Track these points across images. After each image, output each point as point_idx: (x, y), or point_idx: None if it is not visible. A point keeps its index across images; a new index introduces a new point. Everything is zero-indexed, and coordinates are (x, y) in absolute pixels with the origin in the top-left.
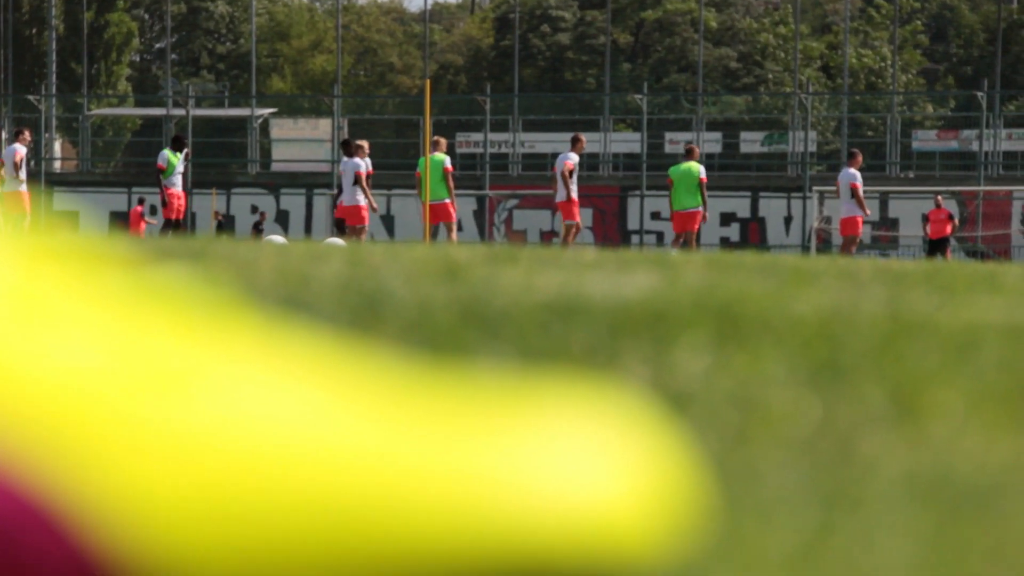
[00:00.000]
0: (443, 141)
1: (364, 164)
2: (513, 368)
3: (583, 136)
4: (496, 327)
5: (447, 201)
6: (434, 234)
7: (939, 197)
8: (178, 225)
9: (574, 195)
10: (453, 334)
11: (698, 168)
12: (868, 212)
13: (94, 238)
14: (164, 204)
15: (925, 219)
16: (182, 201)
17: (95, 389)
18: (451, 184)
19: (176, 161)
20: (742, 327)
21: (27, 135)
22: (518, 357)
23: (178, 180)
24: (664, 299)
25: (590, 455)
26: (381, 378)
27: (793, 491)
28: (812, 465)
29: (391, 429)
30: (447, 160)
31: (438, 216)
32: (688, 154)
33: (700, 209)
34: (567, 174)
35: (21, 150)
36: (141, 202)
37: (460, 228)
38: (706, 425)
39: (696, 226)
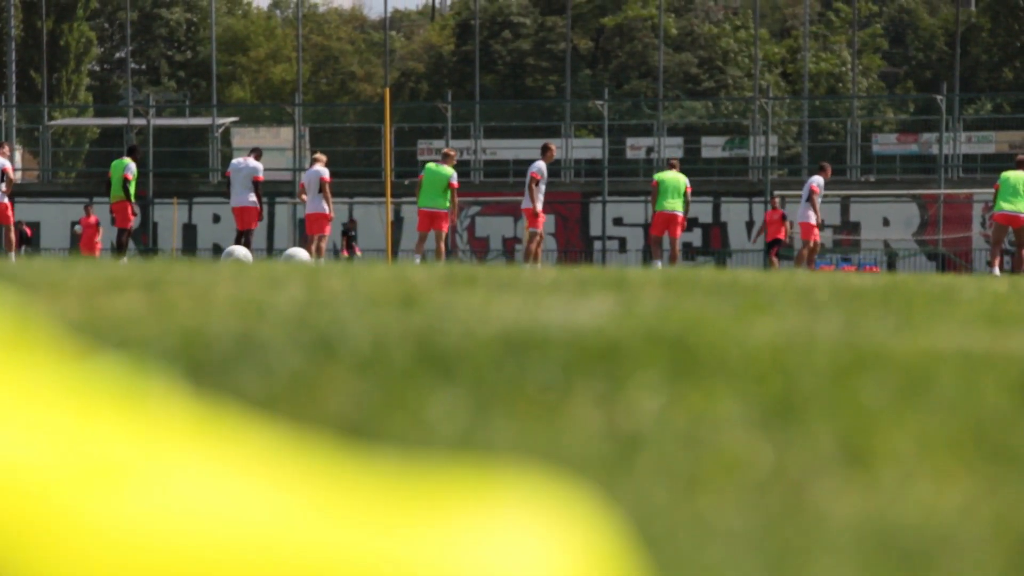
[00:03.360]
0: (453, 154)
1: (324, 171)
2: (460, 423)
3: (553, 145)
4: (450, 366)
5: (444, 211)
6: (421, 240)
7: (775, 199)
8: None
9: (538, 205)
10: (407, 374)
11: (685, 178)
12: (818, 217)
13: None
14: (136, 213)
15: (764, 221)
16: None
17: (24, 484)
18: (455, 198)
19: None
20: (696, 360)
21: (7, 148)
22: (471, 398)
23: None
24: (619, 329)
25: (523, 546)
26: (319, 464)
27: (741, 545)
28: (761, 515)
29: (329, 520)
30: (454, 175)
31: (433, 223)
32: (671, 166)
33: (684, 215)
34: (532, 184)
35: (3, 163)
36: (88, 213)
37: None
38: (656, 472)
39: (679, 232)
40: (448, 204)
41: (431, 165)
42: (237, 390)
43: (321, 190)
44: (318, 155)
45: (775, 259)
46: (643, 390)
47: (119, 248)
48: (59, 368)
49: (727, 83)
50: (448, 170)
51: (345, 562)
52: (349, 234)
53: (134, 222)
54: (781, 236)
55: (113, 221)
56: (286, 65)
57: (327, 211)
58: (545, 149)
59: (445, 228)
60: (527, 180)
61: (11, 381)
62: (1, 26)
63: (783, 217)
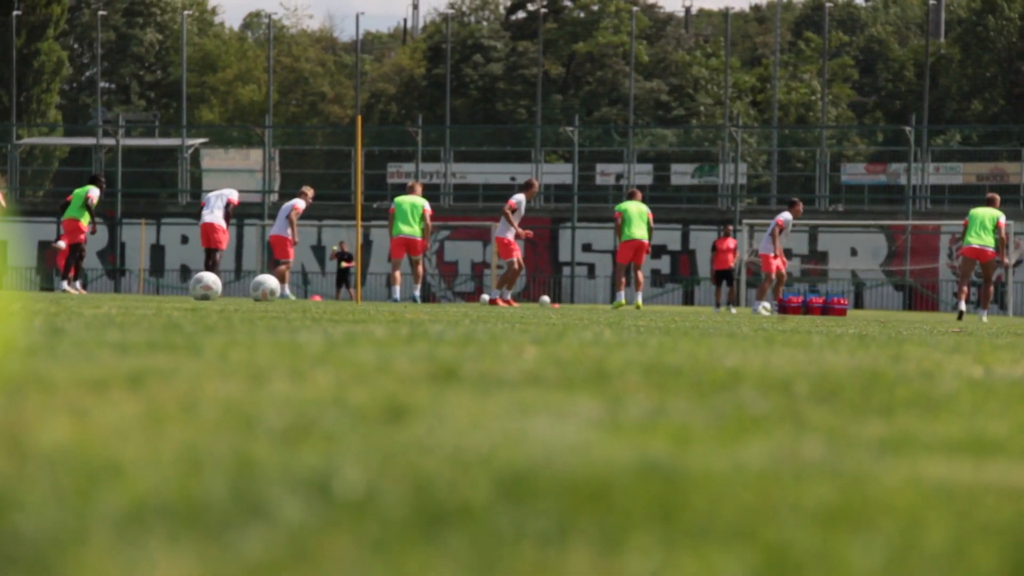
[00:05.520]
0: (419, 186)
1: (301, 204)
2: None
3: (536, 182)
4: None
5: (418, 239)
6: (396, 267)
7: (729, 227)
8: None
9: (509, 235)
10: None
11: (646, 207)
12: (776, 254)
13: None
14: (94, 232)
15: (713, 248)
16: None
17: None
18: (428, 224)
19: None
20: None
21: None
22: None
23: None
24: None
25: None
26: None
27: None
28: None
29: None
30: (427, 204)
31: (409, 248)
32: (631, 196)
33: (648, 242)
34: (508, 212)
35: None
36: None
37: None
38: None
39: (644, 258)
40: (423, 231)
41: (401, 198)
42: (230, 549)
43: (288, 215)
44: (305, 189)
45: (718, 287)
46: (636, 552)
47: (76, 264)
48: None
49: (697, 111)
50: (421, 199)
51: None
52: (343, 255)
53: (89, 237)
54: (726, 267)
55: (59, 237)
56: (255, 86)
57: (290, 235)
58: (528, 185)
59: (420, 252)
60: (504, 209)
61: None
62: None
63: (735, 247)
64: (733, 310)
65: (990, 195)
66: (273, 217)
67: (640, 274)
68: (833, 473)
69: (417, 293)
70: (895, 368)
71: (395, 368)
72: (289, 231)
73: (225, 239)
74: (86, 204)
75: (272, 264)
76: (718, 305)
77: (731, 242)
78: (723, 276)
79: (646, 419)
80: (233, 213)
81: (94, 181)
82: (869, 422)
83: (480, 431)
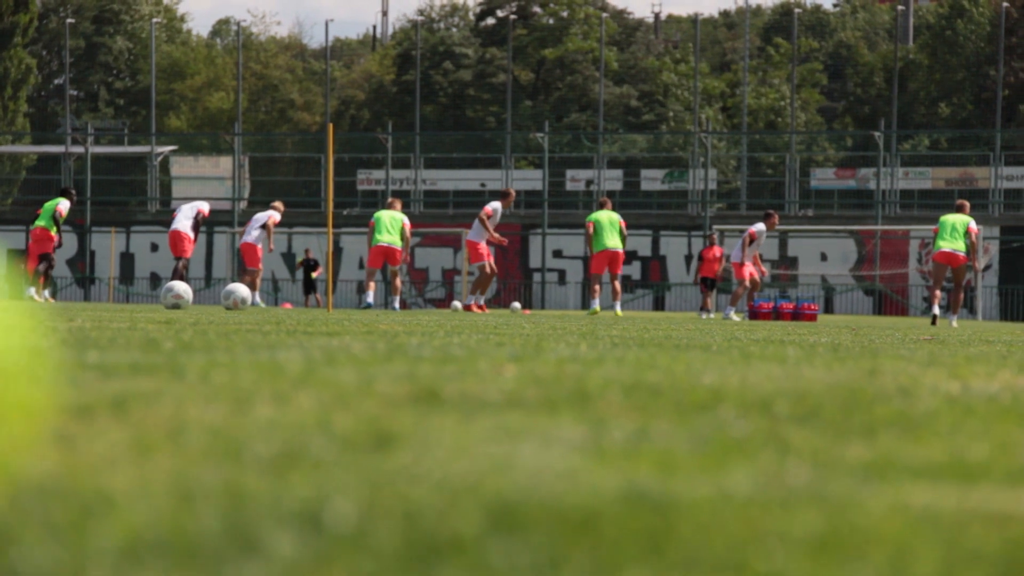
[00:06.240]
0: (399, 202)
1: (276, 216)
2: None
3: (513, 192)
4: (439, 550)
5: (398, 248)
6: (371, 276)
7: (714, 235)
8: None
9: (482, 240)
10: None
11: (617, 215)
12: (744, 263)
13: None
14: (59, 245)
15: (700, 258)
16: None
17: None
18: (407, 236)
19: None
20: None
21: None
22: None
23: None
24: (596, 496)
25: None
26: None
27: None
28: None
29: None
30: (407, 219)
31: (388, 257)
32: (602, 205)
33: (623, 250)
34: (484, 218)
35: None
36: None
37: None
38: None
39: (620, 268)
40: (402, 242)
41: (381, 212)
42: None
43: (264, 226)
44: (278, 204)
45: (706, 294)
46: None
47: (44, 272)
48: None
49: (667, 116)
50: (400, 214)
51: None
52: (309, 263)
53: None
54: (711, 275)
55: (28, 246)
56: (224, 94)
57: (261, 245)
58: (505, 194)
59: (399, 262)
60: (480, 215)
61: None
62: None
63: (723, 256)
64: (710, 315)
65: (959, 202)
66: (243, 225)
67: (617, 284)
68: (819, 500)
69: (397, 305)
70: (872, 384)
71: (377, 390)
72: (264, 240)
73: (191, 248)
74: (54, 217)
75: (242, 272)
76: (707, 311)
77: (717, 251)
78: (707, 283)
79: (630, 444)
80: (203, 222)
81: (65, 193)
82: (851, 444)
83: (466, 458)
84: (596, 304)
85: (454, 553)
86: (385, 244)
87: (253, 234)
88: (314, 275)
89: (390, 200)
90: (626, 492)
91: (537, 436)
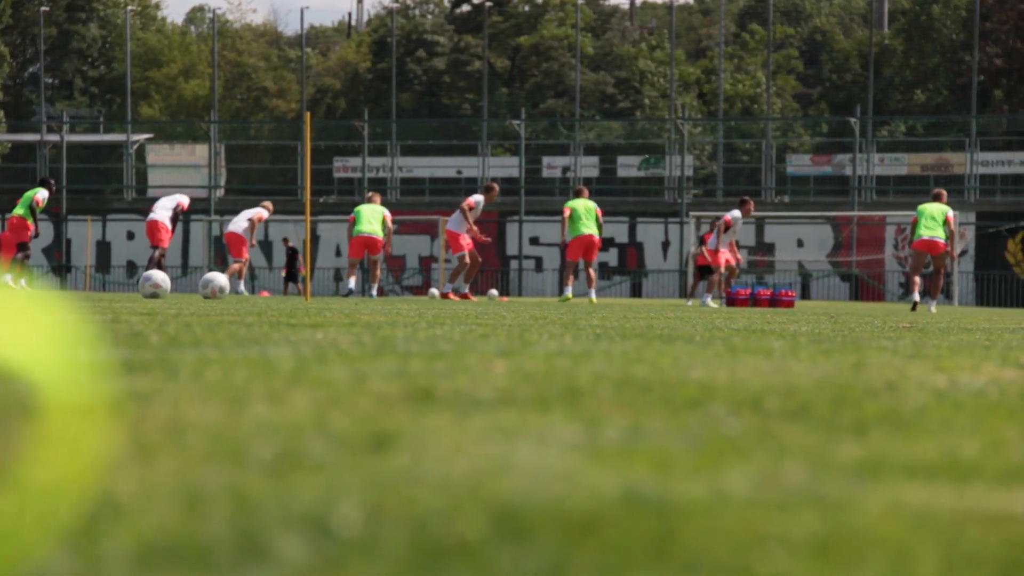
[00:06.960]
0: (378, 196)
1: (265, 213)
2: None
3: (496, 187)
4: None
5: (380, 238)
6: (353, 266)
7: (711, 228)
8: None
9: (462, 230)
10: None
11: (594, 203)
12: (720, 250)
13: None
14: (36, 235)
15: (700, 241)
16: None
17: None
18: (389, 227)
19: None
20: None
21: None
22: None
23: None
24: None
25: None
26: None
27: None
28: None
29: None
30: (387, 211)
31: (369, 247)
32: (579, 194)
33: (599, 237)
34: (465, 209)
35: None
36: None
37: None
38: None
39: (595, 255)
40: (384, 232)
41: (362, 206)
42: None
43: (252, 218)
44: (267, 203)
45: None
46: None
47: (21, 261)
48: None
49: (643, 103)
50: (381, 207)
51: None
52: (290, 253)
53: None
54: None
55: (2, 235)
56: (198, 81)
57: (248, 237)
58: (489, 188)
59: (379, 251)
60: (462, 205)
61: None
62: None
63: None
64: (690, 302)
65: (937, 191)
66: (220, 213)
67: (592, 271)
68: (816, 501)
69: (375, 292)
70: (859, 379)
71: (370, 388)
72: (250, 233)
73: (168, 238)
74: (31, 206)
75: (225, 260)
76: (700, 296)
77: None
78: (703, 270)
79: (625, 442)
80: (181, 215)
81: (44, 183)
82: (843, 442)
83: (465, 458)
84: (569, 291)
85: (461, 558)
86: (367, 234)
87: (241, 225)
88: (300, 272)
89: (369, 194)
90: (626, 494)
91: (532, 435)
